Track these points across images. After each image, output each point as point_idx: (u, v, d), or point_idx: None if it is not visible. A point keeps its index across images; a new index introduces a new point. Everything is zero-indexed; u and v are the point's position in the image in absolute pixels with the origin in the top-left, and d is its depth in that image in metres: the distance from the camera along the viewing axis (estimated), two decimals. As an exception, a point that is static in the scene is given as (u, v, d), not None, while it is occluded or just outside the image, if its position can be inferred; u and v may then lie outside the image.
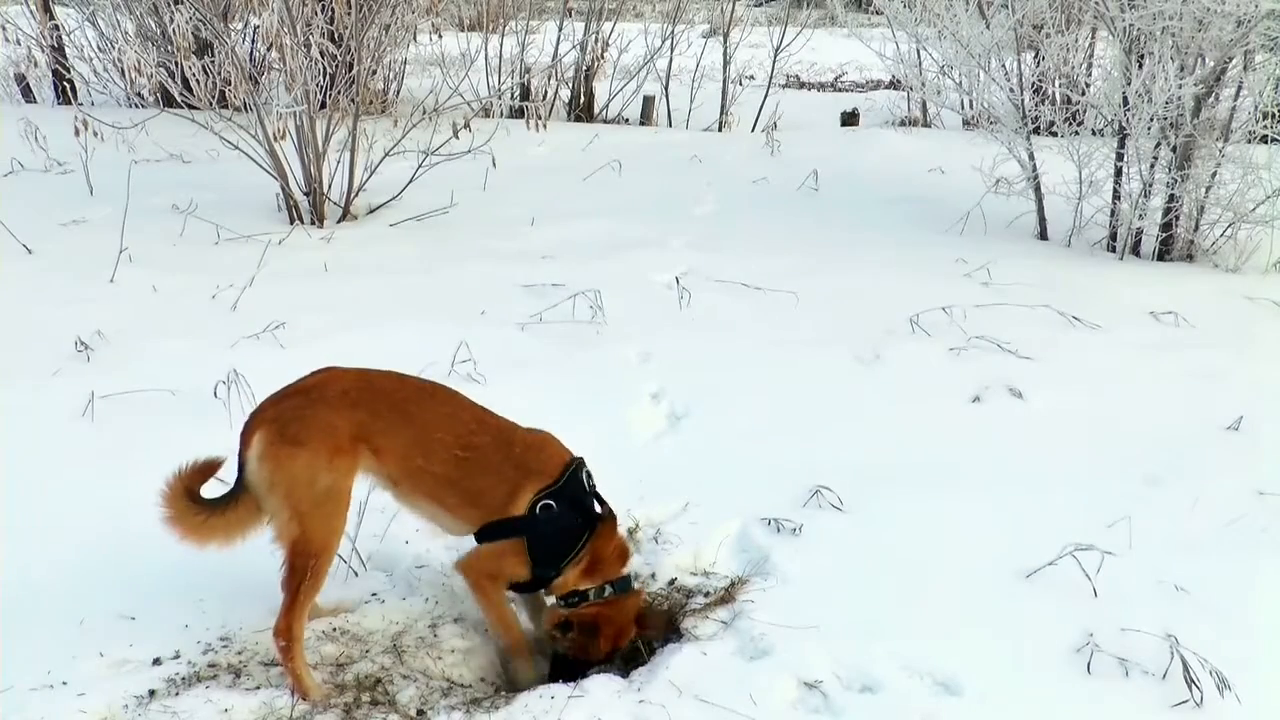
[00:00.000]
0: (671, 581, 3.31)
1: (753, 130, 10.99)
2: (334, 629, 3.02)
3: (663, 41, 11.45)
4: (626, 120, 11.61)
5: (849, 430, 4.29)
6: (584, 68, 11.44)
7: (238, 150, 6.90)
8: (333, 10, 7.16)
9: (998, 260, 6.36)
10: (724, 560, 3.39)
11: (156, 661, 2.82)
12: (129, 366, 4.51)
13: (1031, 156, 7.23)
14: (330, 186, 7.11)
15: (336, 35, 7.29)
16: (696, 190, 8.33)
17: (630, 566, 3.04)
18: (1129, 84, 6.49)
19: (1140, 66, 6.45)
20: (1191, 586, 3.18)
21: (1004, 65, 7.84)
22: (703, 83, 11.90)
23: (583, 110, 11.57)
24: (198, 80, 6.94)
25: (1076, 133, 7.28)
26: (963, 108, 8.75)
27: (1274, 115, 6.52)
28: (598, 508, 2.98)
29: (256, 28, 8.10)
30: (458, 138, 7.11)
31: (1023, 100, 7.51)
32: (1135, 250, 6.89)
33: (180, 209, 6.90)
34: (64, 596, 3.03)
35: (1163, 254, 6.80)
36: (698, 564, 3.39)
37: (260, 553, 2.82)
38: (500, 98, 10.58)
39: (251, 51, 8.55)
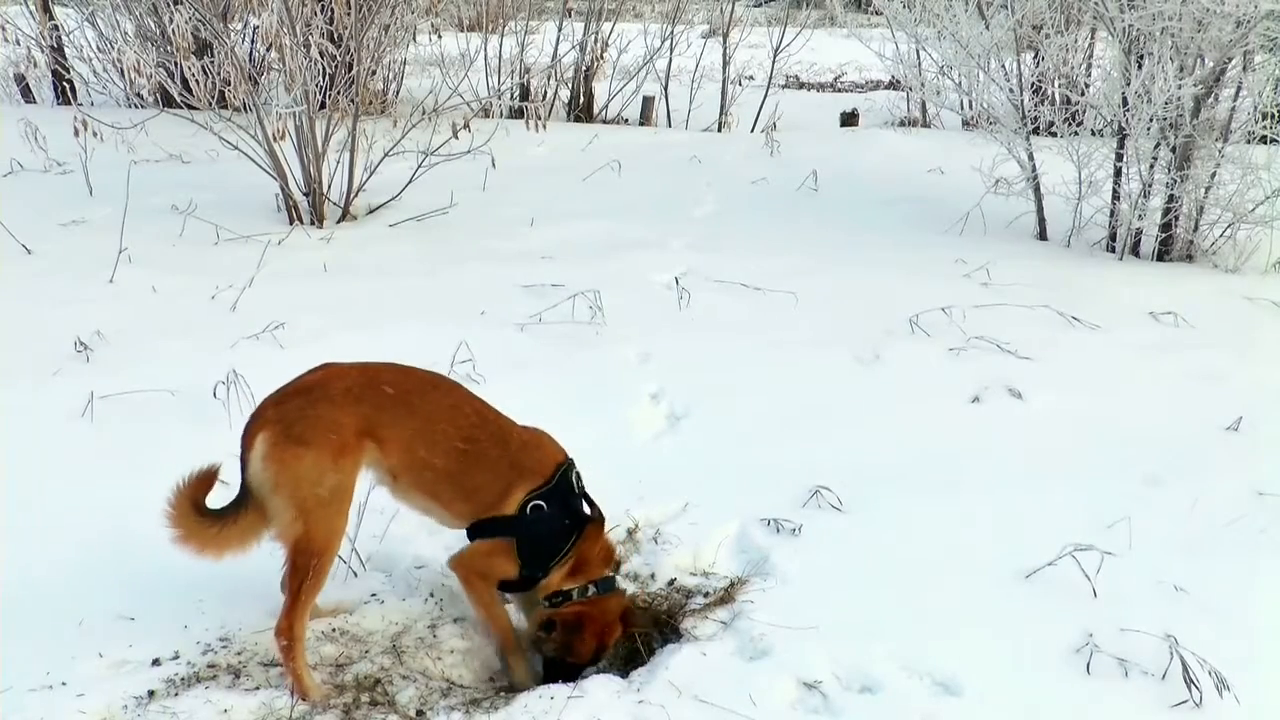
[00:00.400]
0: (671, 582, 3.31)
1: (752, 131, 10.98)
2: (333, 629, 3.02)
3: (662, 42, 11.44)
4: (626, 120, 11.61)
5: (848, 430, 4.29)
6: (583, 68, 11.44)
7: (237, 151, 6.90)
8: (332, 10, 7.15)
9: (997, 260, 6.36)
10: (723, 560, 3.39)
11: (156, 662, 2.81)
12: (128, 367, 4.51)
13: (1031, 157, 7.23)
14: (330, 187, 7.11)
15: (336, 35, 7.29)
16: (696, 191, 8.33)
17: (624, 568, 3.04)
18: (1128, 84, 6.49)
19: (1140, 67, 6.45)
20: (1191, 587, 3.18)
21: (1003, 66, 7.83)
22: (702, 83, 11.90)
23: (582, 110, 11.57)
24: (197, 80, 6.94)
25: (1076, 133, 7.27)
26: (962, 108, 8.73)
27: (1273, 115, 6.52)
28: (587, 509, 2.98)
29: (256, 28, 8.08)
30: (457, 138, 7.10)
31: (1022, 100, 7.51)
32: (1135, 250, 6.89)
33: (180, 209, 6.89)
34: (63, 597, 3.02)
35: (1162, 254, 6.80)
36: (697, 564, 3.38)
37: (260, 553, 2.82)
38: (500, 98, 10.56)
39: (251, 52, 8.53)
